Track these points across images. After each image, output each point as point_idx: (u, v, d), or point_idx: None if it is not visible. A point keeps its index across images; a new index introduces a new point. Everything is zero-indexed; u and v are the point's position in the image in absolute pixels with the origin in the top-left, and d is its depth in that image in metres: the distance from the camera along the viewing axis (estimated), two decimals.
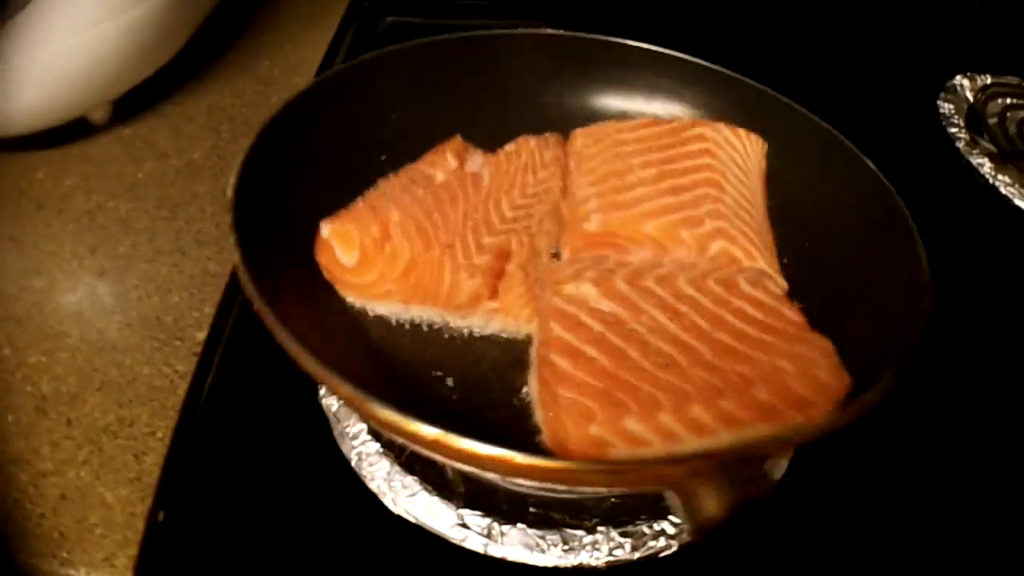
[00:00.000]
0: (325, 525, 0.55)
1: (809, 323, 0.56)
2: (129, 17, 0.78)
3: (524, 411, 0.56)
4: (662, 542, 0.54)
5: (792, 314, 0.54)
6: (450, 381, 0.57)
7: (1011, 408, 0.66)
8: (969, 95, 0.98)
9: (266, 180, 0.55)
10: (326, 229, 0.57)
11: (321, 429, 0.58)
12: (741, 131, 0.68)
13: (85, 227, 0.74)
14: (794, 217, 0.65)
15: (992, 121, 0.94)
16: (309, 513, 0.56)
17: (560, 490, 0.54)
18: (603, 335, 0.52)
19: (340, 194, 0.60)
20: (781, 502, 0.49)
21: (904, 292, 0.54)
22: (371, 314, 0.60)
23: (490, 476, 0.52)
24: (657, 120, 0.69)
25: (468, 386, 0.57)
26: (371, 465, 0.56)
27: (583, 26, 1.00)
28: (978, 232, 0.82)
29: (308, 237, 0.58)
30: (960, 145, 0.90)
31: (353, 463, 0.56)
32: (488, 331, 0.60)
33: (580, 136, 0.69)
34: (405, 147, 0.66)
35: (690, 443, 0.48)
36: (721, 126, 0.67)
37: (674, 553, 0.54)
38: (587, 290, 0.55)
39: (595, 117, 0.73)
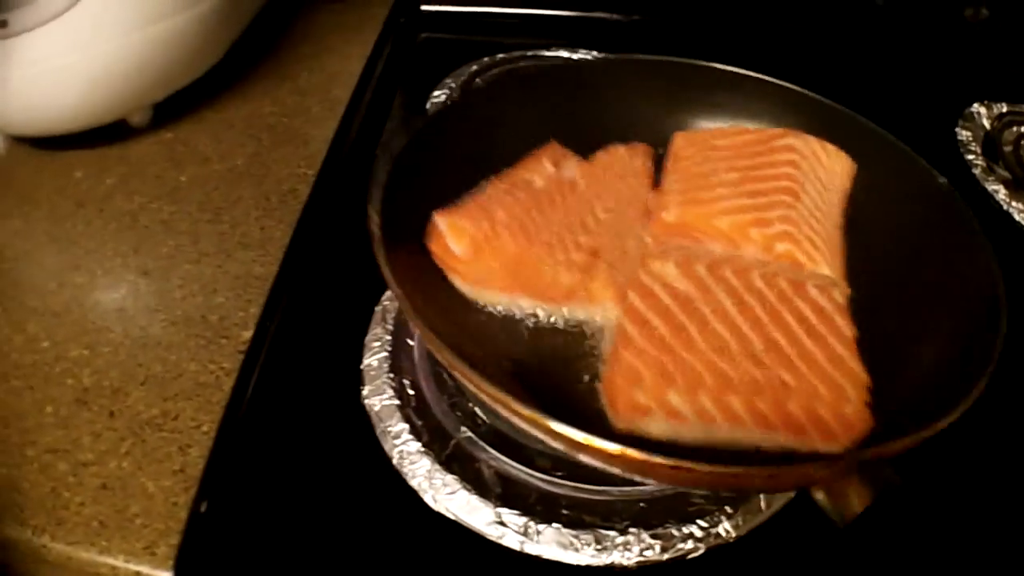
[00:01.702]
0: (366, 521, 0.56)
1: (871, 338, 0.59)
2: (173, 22, 0.79)
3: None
4: (690, 544, 0.55)
5: (845, 327, 0.57)
6: (547, 364, 0.60)
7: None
8: (986, 122, 0.99)
9: (397, 187, 0.61)
10: (442, 221, 0.62)
11: (363, 428, 0.59)
12: (830, 147, 0.71)
13: (127, 227, 0.74)
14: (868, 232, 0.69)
15: (1008, 149, 0.95)
16: (350, 509, 0.57)
17: (593, 490, 0.56)
18: (670, 309, 0.57)
19: (449, 196, 0.66)
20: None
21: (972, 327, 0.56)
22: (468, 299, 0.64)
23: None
24: (752, 130, 0.73)
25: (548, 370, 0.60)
26: (412, 463, 0.57)
27: (610, 46, 1.03)
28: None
29: (418, 230, 0.63)
30: (977, 172, 0.91)
31: (394, 461, 0.58)
32: (576, 319, 0.63)
33: (680, 138, 0.74)
34: (509, 159, 0.71)
35: (722, 428, 0.53)
36: (811, 139, 0.70)
37: (701, 555, 0.55)
38: (669, 269, 0.59)
39: None
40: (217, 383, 0.62)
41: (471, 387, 0.50)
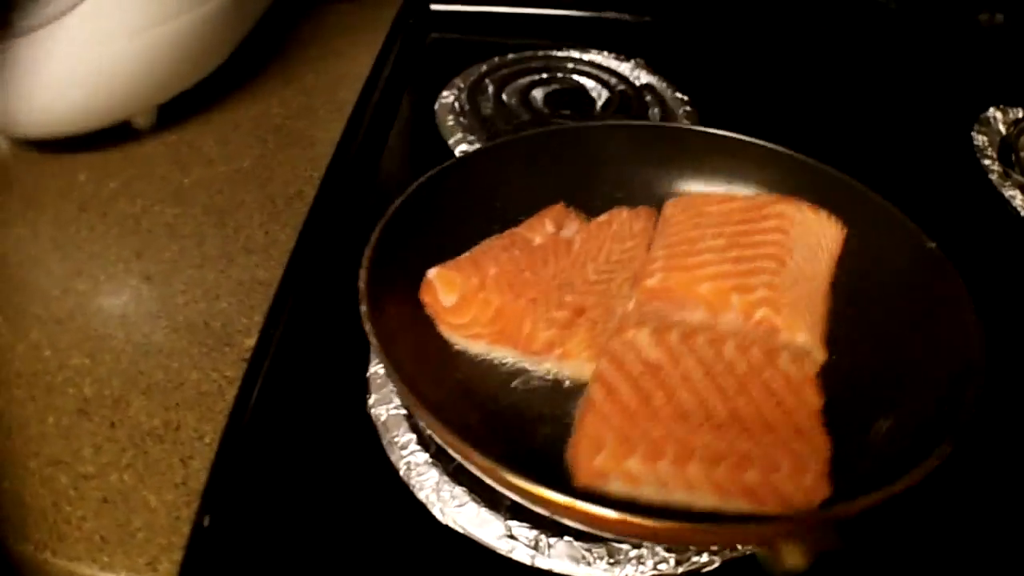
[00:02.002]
0: (373, 534, 0.55)
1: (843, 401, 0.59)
2: (178, 24, 0.78)
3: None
4: (705, 557, 0.54)
5: (812, 397, 0.57)
6: (522, 415, 0.60)
7: None
8: (1002, 127, 0.98)
9: (391, 241, 0.63)
10: (432, 273, 0.64)
11: (370, 438, 0.58)
12: (822, 212, 0.70)
13: (130, 231, 0.73)
14: (855, 296, 0.68)
15: None
16: (357, 522, 0.56)
17: None
18: (639, 378, 0.57)
19: (450, 251, 0.68)
20: None
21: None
22: (457, 348, 0.65)
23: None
24: (743, 196, 0.74)
25: (539, 423, 0.60)
26: (420, 475, 0.56)
27: (620, 46, 1.03)
28: (1010, 265, 0.81)
29: (413, 281, 0.65)
30: (993, 177, 0.90)
31: (402, 473, 0.57)
32: (555, 374, 0.63)
33: (671, 205, 0.74)
34: (508, 218, 0.73)
35: (678, 495, 0.53)
36: (803, 205, 0.70)
37: (717, 568, 0.54)
38: (643, 337, 0.59)
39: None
40: (219, 392, 0.60)
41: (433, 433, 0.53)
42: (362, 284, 0.58)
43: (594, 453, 0.53)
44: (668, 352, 0.58)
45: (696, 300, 0.65)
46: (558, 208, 0.73)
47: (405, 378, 0.54)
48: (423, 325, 0.64)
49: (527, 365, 0.63)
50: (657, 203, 0.76)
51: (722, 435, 0.54)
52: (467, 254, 0.67)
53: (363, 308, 0.57)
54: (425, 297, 0.64)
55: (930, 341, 0.60)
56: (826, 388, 0.60)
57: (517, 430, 0.59)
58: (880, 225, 0.69)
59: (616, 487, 0.53)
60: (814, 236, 0.69)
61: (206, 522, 0.54)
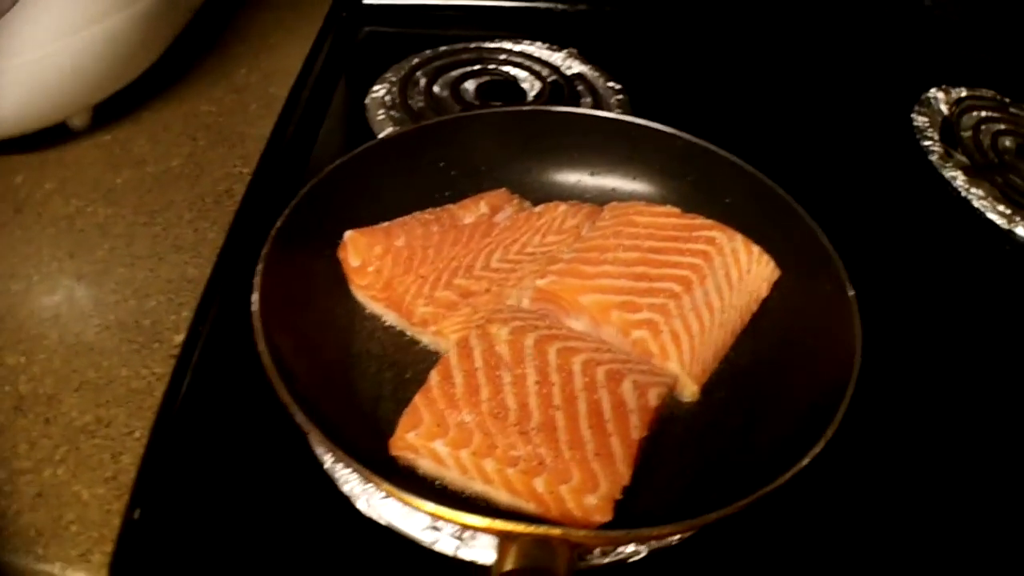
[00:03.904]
0: (298, 527, 0.56)
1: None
2: (111, 23, 0.78)
3: None
4: (631, 548, 0.55)
5: (636, 428, 0.57)
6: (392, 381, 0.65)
7: (976, 416, 0.68)
8: (944, 108, 0.99)
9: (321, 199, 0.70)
10: (347, 234, 0.69)
11: (294, 432, 0.58)
12: (756, 249, 0.69)
13: (63, 231, 0.74)
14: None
15: (966, 134, 0.95)
16: (283, 514, 0.57)
17: None
18: (476, 371, 0.59)
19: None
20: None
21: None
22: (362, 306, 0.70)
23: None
24: (681, 213, 0.71)
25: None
26: (343, 468, 0.57)
27: (553, 36, 1.04)
28: (949, 245, 0.83)
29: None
30: (933, 158, 0.91)
31: (326, 465, 0.58)
32: (437, 349, 0.67)
33: (608, 209, 0.74)
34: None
35: (478, 486, 0.56)
36: (737, 236, 0.69)
37: (643, 559, 0.55)
38: (501, 334, 0.61)
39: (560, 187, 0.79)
40: (149, 388, 0.62)
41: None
42: (273, 231, 0.64)
43: (411, 428, 0.57)
44: (516, 353, 0.60)
45: (580, 309, 0.65)
46: (500, 192, 0.75)
47: (265, 312, 0.58)
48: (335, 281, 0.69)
49: (411, 332, 0.67)
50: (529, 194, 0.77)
51: (527, 440, 0.56)
52: (387, 223, 0.71)
53: (264, 250, 0.62)
54: (341, 254, 0.69)
55: (798, 398, 0.60)
56: (692, 420, 0.62)
57: (379, 394, 0.63)
58: (810, 259, 0.67)
59: (425, 464, 0.57)
60: (738, 271, 0.68)
61: (136, 515, 0.55)
